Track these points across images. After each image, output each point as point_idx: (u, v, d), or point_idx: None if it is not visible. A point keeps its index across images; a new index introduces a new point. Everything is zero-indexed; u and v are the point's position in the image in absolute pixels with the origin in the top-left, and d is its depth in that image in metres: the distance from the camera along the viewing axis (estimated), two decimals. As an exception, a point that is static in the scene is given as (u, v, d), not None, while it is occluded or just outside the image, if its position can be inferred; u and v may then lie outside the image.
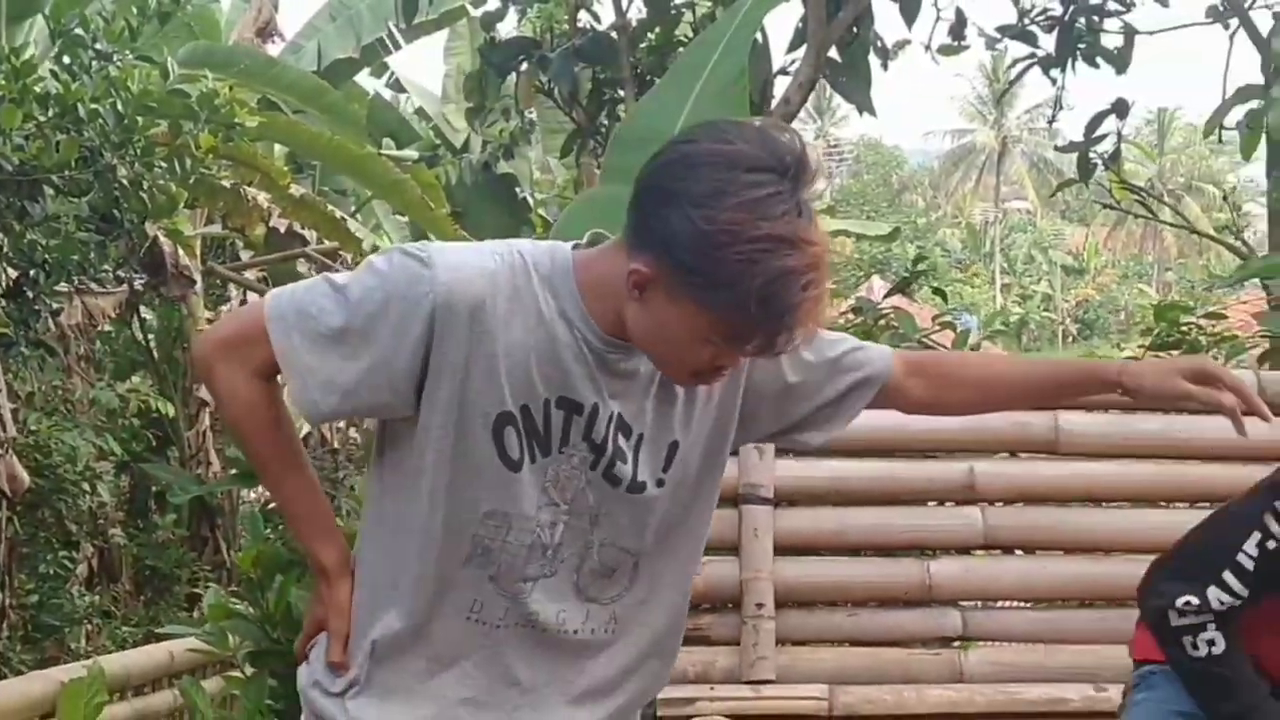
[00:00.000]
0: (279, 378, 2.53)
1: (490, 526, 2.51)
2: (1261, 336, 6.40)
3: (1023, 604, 4.40)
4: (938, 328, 7.64)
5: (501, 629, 2.56)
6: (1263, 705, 2.95)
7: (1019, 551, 4.54)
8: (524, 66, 9.01)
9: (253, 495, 11.72)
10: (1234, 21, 9.02)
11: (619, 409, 2.52)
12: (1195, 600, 2.96)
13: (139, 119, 7.95)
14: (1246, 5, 9.01)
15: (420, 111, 16.65)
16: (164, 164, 8.62)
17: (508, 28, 11.24)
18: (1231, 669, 2.96)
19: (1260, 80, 8.31)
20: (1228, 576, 2.92)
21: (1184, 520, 4.36)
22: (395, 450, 2.55)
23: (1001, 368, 2.94)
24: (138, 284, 10.50)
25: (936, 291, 9.96)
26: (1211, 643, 2.95)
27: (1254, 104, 8.02)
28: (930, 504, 4.54)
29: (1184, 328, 6.60)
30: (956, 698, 3.74)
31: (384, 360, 2.42)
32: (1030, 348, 52.77)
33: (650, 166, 2.34)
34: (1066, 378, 2.84)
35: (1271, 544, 2.88)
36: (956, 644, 4.20)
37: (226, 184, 10.12)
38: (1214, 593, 2.94)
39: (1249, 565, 2.91)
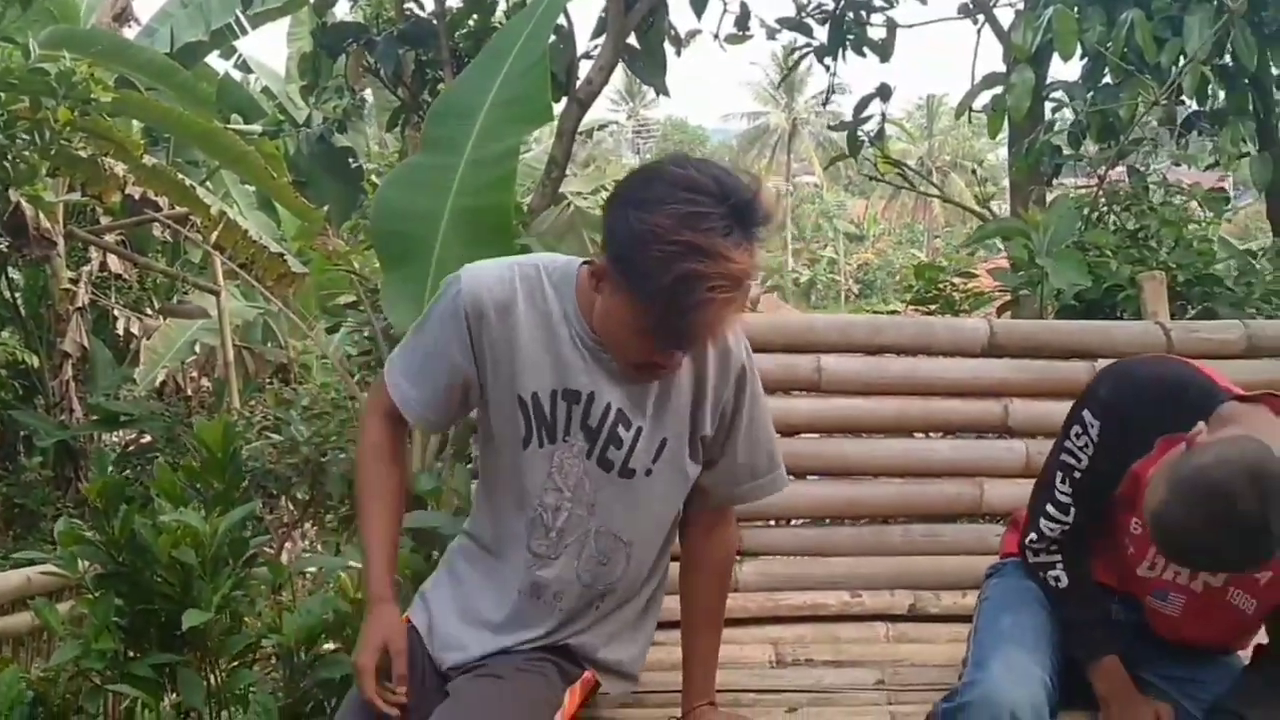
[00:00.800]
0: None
1: (514, 489, 2.72)
2: (1000, 291, 6.57)
3: (790, 523, 4.45)
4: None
5: (532, 576, 2.75)
6: (1099, 627, 3.03)
7: (790, 477, 4.59)
8: (353, 48, 8.90)
9: (114, 439, 11.50)
10: (981, 17, 9.20)
11: (618, 402, 2.65)
12: (1035, 535, 3.08)
13: (1, 95, 7.77)
14: (991, 3, 9.20)
15: (266, 90, 16.37)
16: (25, 136, 8.47)
17: (342, 13, 11.11)
18: (1076, 598, 3.05)
19: (1003, 69, 8.47)
20: (1050, 509, 3.03)
21: (929, 447, 4.48)
22: (480, 424, 2.80)
23: (693, 619, 3.06)
24: (2, 246, 10.22)
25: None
26: (1058, 579, 3.06)
27: (997, 89, 8.17)
28: (711, 437, 4.58)
29: (940, 285, 6.76)
30: (732, 605, 3.78)
31: (455, 366, 2.66)
32: (818, 305, 53.56)
33: (622, 178, 2.50)
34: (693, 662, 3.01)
35: (1077, 474, 2.96)
36: (735, 558, 4.26)
37: (84, 154, 9.86)
38: (1044, 524, 3.05)
39: (1065, 499, 3.00)
